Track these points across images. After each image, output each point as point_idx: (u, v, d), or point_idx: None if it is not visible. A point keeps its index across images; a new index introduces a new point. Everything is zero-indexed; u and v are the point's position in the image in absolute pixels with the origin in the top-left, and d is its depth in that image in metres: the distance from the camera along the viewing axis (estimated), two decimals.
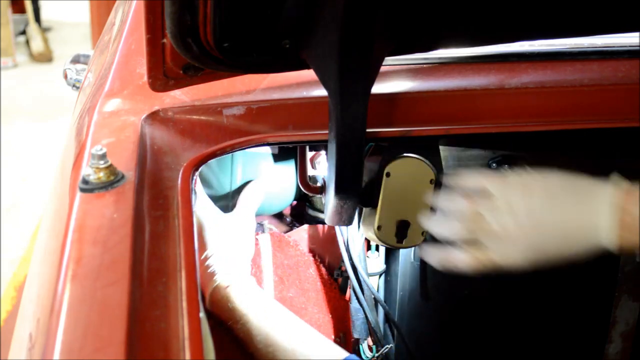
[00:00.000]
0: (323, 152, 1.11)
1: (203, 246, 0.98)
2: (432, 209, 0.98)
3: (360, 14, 0.77)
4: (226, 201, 1.11)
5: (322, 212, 1.17)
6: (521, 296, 1.31)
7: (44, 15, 6.68)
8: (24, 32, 6.32)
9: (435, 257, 0.88)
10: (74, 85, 1.47)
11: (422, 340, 1.32)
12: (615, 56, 1.02)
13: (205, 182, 1.10)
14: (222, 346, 1.03)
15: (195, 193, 1.00)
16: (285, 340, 0.91)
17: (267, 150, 1.15)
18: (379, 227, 0.98)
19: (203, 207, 1.01)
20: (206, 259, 0.97)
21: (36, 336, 0.64)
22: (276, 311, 0.95)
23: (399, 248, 1.10)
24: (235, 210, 1.07)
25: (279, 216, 1.33)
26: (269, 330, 0.91)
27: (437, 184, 0.97)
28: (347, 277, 1.22)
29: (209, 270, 0.96)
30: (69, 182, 0.80)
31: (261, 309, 0.94)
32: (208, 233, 0.99)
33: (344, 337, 1.26)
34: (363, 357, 1.22)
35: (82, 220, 0.69)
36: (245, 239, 1.03)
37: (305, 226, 1.28)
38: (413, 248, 1.26)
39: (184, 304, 0.60)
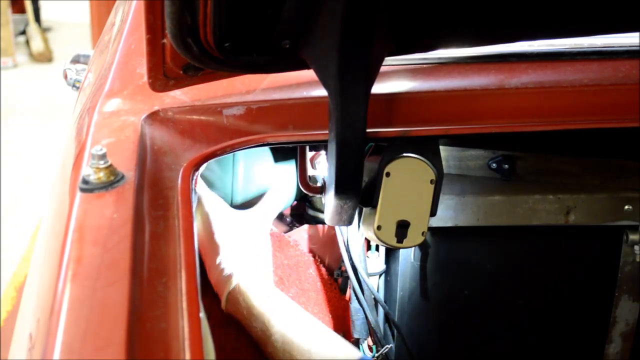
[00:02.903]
0: (323, 152, 1.11)
1: (216, 248, 0.98)
2: (432, 209, 0.99)
3: (360, 14, 0.77)
4: (227, 201, 1.11)
5: (322, 212, 1.17)
6: (521, 296, 1.31)
7: (44, 15, 6.68)
8: (24, 32, 6.32)
9: None
10: (74, 85, 1.47)
11: (422, 340, 1.32)
12: (615, 56, 1.02)
13: (207, 182, 1.10)
14: (222, 346, 1.03)
15: (196, 193, 1.00)
16: (301, 340, 0.91)
17: (267, 151, 1.15)
18: (379, 227, 0.98)
19: (213, 206, 1.01)
20: (221, 261, 0.97)
21: (36, 336, 0.64)
22: (293, 311, 0.96)
23: (399, 248, 1.10)
24: (253, 208, 1.07)
25: (279, 216, 1.33)
26: (285, 331, 0.92)
27: (437, 184, 0.97)
28: (347, 277, 1.23)
29: (225, 272, 0.97)
30: (69, 182, 0.80)
31: (278, 309, 0.94)
32: (221, 233, 0.99)
33: (344, 337, 1.26)
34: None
35: (82, 220, 0.69)
36: (261, 239, 1.03)
37: (305, 226, 1.28)
38: (413, 248, 1.26)
39: (184, 304, 0.60)
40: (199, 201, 1.01)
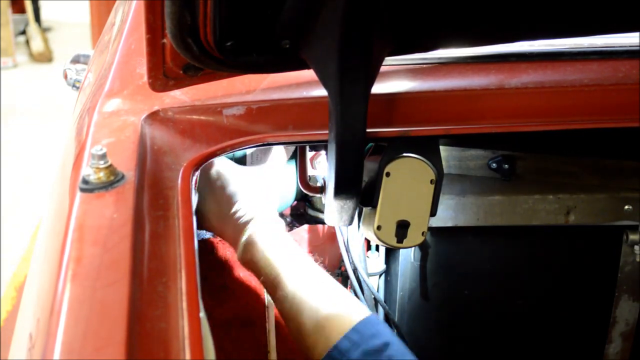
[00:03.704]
0: (323, 152, 1.11)
1: (230, 198, 0.99)
2: (432, 209, 0.99)
3: (360, 14, 0.77)
4: None
5: (322, 212, 1.17)
6: (521, 296, 1.32)
7: (44, 15, 6.68)
8: (24, 32, 6.32)
9: None
10: (74, 85, 1.47)
11: (422, 340, 1.32)
12: (615, 56, 1.02)
13: None
14: (222, 346, 1.03)
15: (196, 193, 1.00)
16: (311, 292, 0.91)
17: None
18: (379, 227, 0.98)
19: (226, 164, 1.03)
20: (237, 210, 0.98)
21: (36, 336, 0.64)
22: (306, 263, 0.96)
23: (399, 248, 1.10)
24: (262, 165, 1.09)
25: (279, 216, 1.33)
26: (297, 281, 0.92)
27: (437, 184, 0.97)
28: (347, 277, 1.22)
29: (240, 221, 0.98)
30: (69, 182, 0.80)
31: (291, 259, 0.95)
32: (235, 183, 1.00)
33: None
34: None
35: (82, 220, 0.69)
36: (276, 186, 1.05)
37: (305, 226, 1.28)
38: (413, 248, 1.26)
39: (184, 304, 0.60)
40: (211, 162, 1.02)
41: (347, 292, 0.94)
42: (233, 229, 0.98)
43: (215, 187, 1.01)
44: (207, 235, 1.13)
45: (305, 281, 0.93)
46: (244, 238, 0.96)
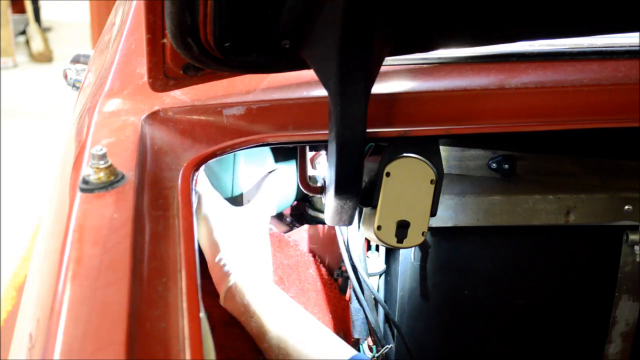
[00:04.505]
0: (323, 152, 1.11)
1: (216, 245, 0.99)
2: (432, 209, 0.99)
3: (360, 14, 0.77)
4: (228, 201, 1.11)
5: (322, 212, 1.17)
6: (521, 296, 1.31)
7: (44, 15, 6.68)
8: (24, 32, 6.32)
9: None
10: (74, 85, 1.47)
11: (422, 340, 1.32)
12: (615, 56, 1.02)
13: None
14: (222, 346, 1.03)
15: (196, 193, 1.00)
16: (296, 339, 0.93)
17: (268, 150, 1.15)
18: (379, 227, 0.98)
19: (213, 203, 1.02)
20: (221, 258, 0.98)
21: (36, 336, 0.64)
22: (289, 310, 0.97)
23: (399, 248, 1.10)
24: (249, 204, 1.08)
25: (279, 216, 1.33)
26: (280, 330, 0.93)
27: (438, 184, 0.97)
28: (347, 277, 1.23)
29: (224, 269, 0.98)
30: (69, 182, 0.80)
31: (274, 308, 0.96)
32: (220, 230, 1.00)
33: (344, 337, 1.25)
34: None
35: (82, 220, 0.69)
36: (258, 235, 1.04)
37: (305, 226, 1.28)
38: (413, 248, 1.26)
39: (184, 304, 0.60)
40: (199, 200, 1.01)
41: (330, 333, 0.96)
42: (217, 274, 0.99)
43: (201, 230, 1.02)
44: None
45: (289, 329, 0.94)
46: (226, 287, 0.97)
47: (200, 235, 1.01)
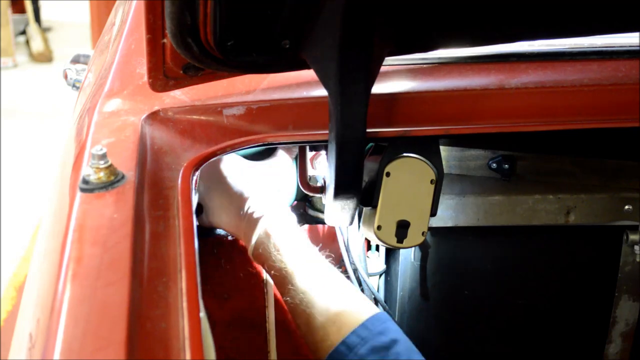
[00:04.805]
0: (323, 152, 1.11)
1: (241, 194, 1.01)
2: (433, 209, 0.99)
3: (360, 14, 0.77)
4: None
5: (322, 212, 1.17)
6: (521, 296, 1.31)
7: (44, 15, 6.68)
8: (24, 32, 6.32)
9: None
10: (74, 85, 1.47)
11: (422, 340, 1.32)
12: (615, 56, 1.02)
13: None
14: (222, 346, 1.03)
15: (197, 193, 1.01)
16: (321, 292, 0.92)
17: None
18: (379, 227, 0.98)
19: (233, 158, 1.04)
20: (249, 206, 1.00)
21: (36, 336, 0.64)
22: (316, 261, 0.97)
23: (399, 248, 1.10)
24: (272, 158, 1.10)
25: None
26: (308, 285, 0.93)
27: (438, 184, 0.97)
28: (347, 277, 1.22)
29: (254, 216, 0.99)
30: (69, 182, 0.80)
31: (304, 260, 0.96)
32: (245, 179, 1.02)
33: None
34: None
35: (82, 220, 0.69)
36: (285, 180, 1.07)
37: (306, 226, 1.28)
38: (413, 248, 1.26)
39: (184, 304, 0.60)
40: (218, 160, 1.02)
41: (356, 289, 0.96)
42: (245, 224, 0.99)
43: (226, 182, 1.02)
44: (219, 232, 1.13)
45: (316, 277, 0.94)
46: (256, 234, 0.97)
47: (221, 189, 1.02)
